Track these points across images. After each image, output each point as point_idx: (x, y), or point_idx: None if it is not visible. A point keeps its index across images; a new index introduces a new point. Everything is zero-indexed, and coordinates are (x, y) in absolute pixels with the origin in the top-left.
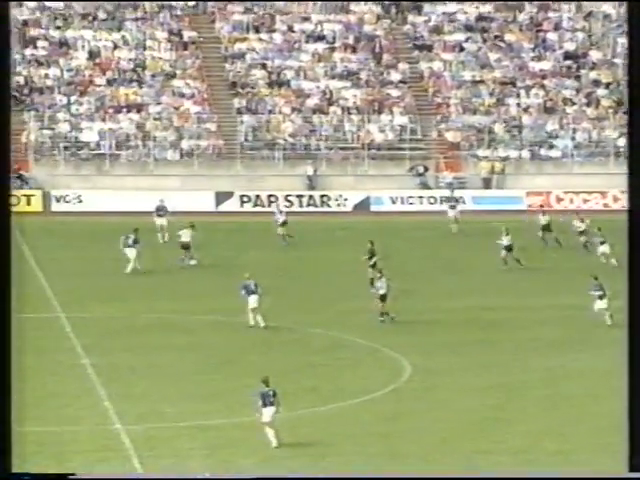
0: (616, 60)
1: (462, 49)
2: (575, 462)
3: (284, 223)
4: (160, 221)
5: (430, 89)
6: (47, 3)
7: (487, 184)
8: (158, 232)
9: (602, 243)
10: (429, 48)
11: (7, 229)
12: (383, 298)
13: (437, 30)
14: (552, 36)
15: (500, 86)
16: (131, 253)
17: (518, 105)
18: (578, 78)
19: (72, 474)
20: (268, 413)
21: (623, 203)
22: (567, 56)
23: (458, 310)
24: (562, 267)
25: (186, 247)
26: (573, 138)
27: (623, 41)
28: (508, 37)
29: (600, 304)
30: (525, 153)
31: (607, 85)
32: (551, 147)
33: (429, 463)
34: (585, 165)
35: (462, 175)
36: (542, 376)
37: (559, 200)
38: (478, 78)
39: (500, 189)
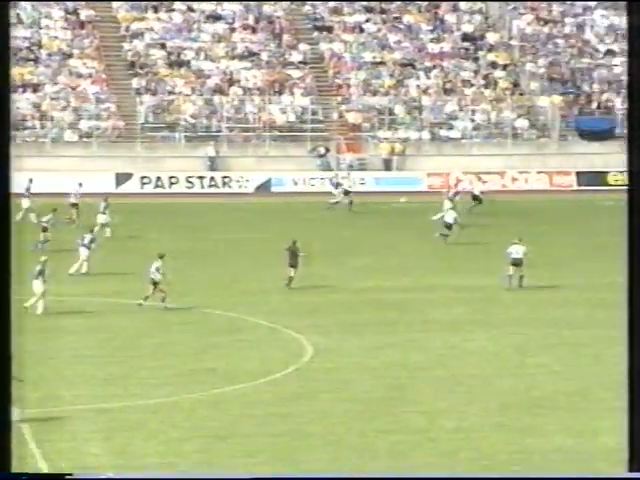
0: (512, 42)
1: (362, 30)
2: (474, 439)
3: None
4: (25, 202)
5: (331, 70)
6: None
7: (388, 165)
8: (20, 212)
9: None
10: (329, 29)
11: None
12: (156, 283)
13: (337, 11)
14: (450, 18)
15: (400, 67)
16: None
17: (418, 86)
18: (476, 60)
19: (69, 474)
20: None
21: (520, 184)
22: (465, 38)
23: (359, 291)
24: (459, 249)
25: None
26: (472, 119)
27: (519, 23)
28: (407, 18)
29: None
30: (425, 134)
31: (504, 67)
32: (450, 128)
33: (331, 443)
34: (484, 146)
35: (363, 156)
36: (437, 356)
37: (458, 181)
38: (378, 59)
39: (400, 170)
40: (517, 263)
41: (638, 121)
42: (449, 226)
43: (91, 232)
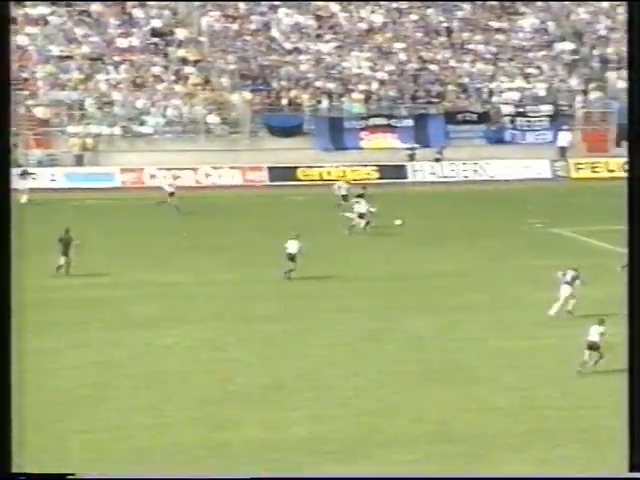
0: (202, 38)
1: (47, 23)
2: (171, 435)
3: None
4: None
5: (16, 63)
6: None
7: (79, 161)
8: None
9: None
10: (13, 21)
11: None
12: None
13: (19, 3)
14: (138, 12)
15: (89, 61)
16: None
17: (107, 81)
18: (166, 55)
19: (72, 474)
20: None
21: (214, 179)
22: (154, 33)
23: (53, 289)
24: (156, 243)
25: None
26: (164, 115)
27: (207, 19)
28: (94, 11)
29: None
30: (117, 129)
31: (194, 62)
32: (142, 124)
33: (23, 446)
34: (176, 142)
35: (53, 152)
36: (133, 353)
37: (152, 177)
38: (66, 53)
39: (93, 166)
40: (292, 258)
41: (638, 121)
42: (361, 215)
43: None
